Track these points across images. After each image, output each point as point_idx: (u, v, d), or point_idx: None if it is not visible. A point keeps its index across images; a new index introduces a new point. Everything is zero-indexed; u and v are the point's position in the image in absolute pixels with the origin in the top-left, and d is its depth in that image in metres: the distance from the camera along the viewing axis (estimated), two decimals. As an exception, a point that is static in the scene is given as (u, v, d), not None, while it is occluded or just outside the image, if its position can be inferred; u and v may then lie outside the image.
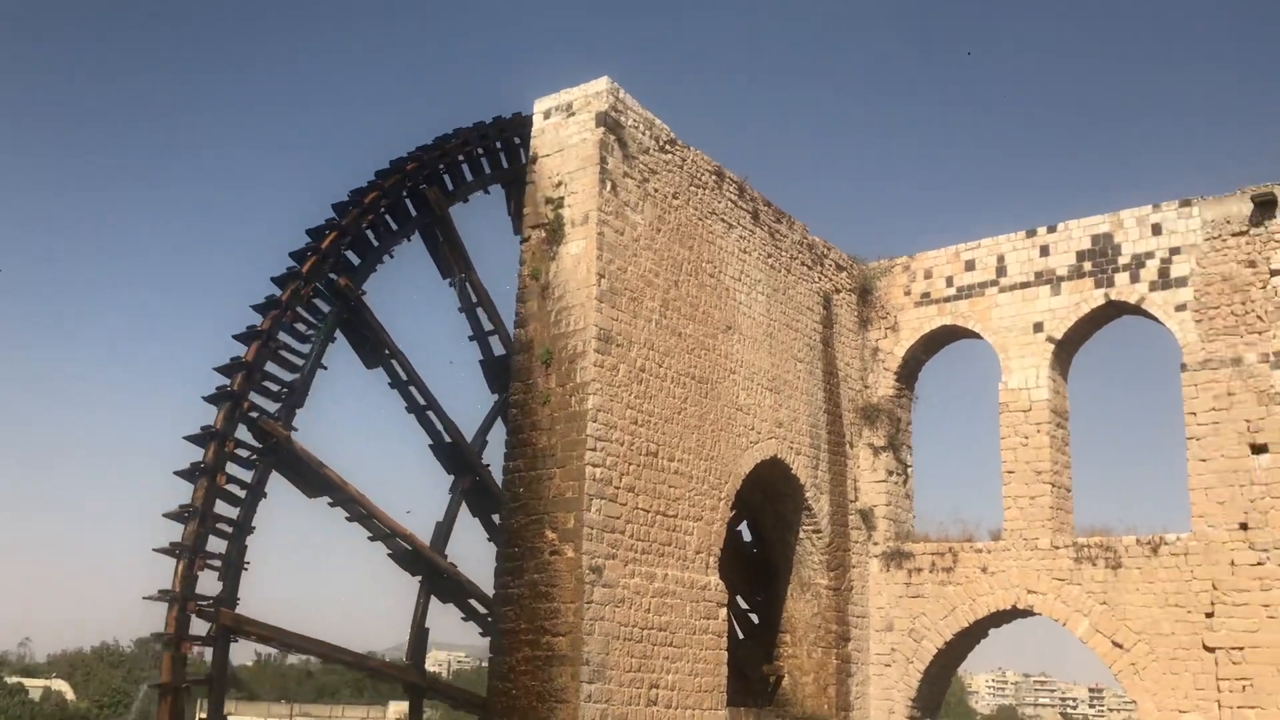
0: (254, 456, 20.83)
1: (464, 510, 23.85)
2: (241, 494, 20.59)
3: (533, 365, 22.28)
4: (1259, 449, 23.93)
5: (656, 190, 23.63)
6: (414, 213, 23.10)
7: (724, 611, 23.41)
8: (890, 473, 29.02)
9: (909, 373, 30.24)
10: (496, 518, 23.04)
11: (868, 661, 27.50)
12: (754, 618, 28.31)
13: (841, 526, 27.68)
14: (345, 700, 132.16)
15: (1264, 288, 24.58)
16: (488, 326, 23.89)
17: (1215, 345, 24.91)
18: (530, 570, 21.21)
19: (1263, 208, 24.84)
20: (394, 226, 22.87)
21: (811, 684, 26.51)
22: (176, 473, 20.62)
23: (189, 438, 20.51)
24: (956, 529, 28.00)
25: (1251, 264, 24.86)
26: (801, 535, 27.13)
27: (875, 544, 28.45)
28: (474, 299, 23.77)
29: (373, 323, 22.38)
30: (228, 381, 20.49)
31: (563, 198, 22.63)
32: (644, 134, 23.57)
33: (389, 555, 23.12)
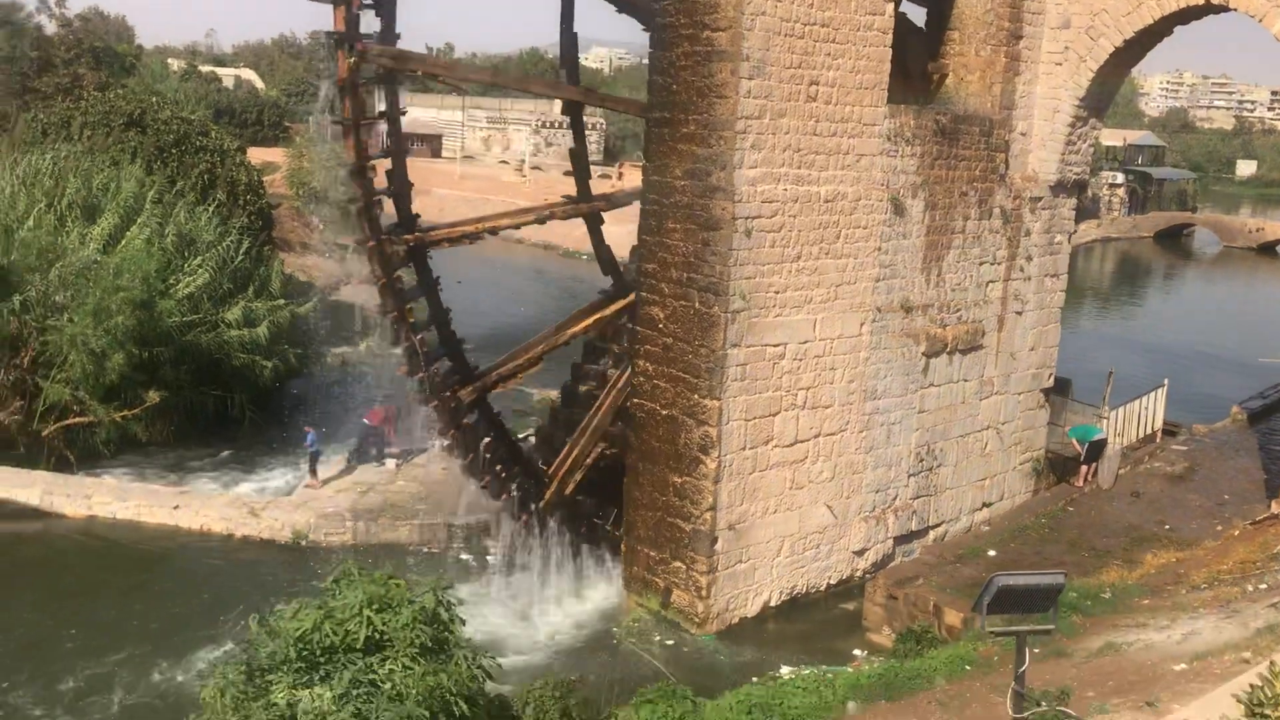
0: None
1: None
2: None
3: None
4: None
5: None
6: None
7: (890, 7, 22.50)
8: None
9: None
10: None
11: (1038, 60, 26.53)
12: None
13: (1028, -87, 25.37)
14: (513, 95, 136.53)
15: None
16: None
17: None
18: (690, -38, 20.47)
19: None
20: None
21: (977, 82, 25.98)
22: None
23: None
24: (1158, -85, 25.40)
25: None
26: (982, -77, 25.09)
27: (1063, -67, 26.17)
28: None
29: None
30: None
31: None
32: None
33: None
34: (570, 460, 25.34)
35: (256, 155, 56.05)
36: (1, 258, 29.78)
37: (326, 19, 22.70)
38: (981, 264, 26.22)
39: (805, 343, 22.68)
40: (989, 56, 25.80)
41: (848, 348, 23.45)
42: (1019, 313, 27.56)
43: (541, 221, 26.16)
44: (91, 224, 31.71)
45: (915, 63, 26.24)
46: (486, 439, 25.23)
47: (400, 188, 24.20)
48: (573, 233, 38.67)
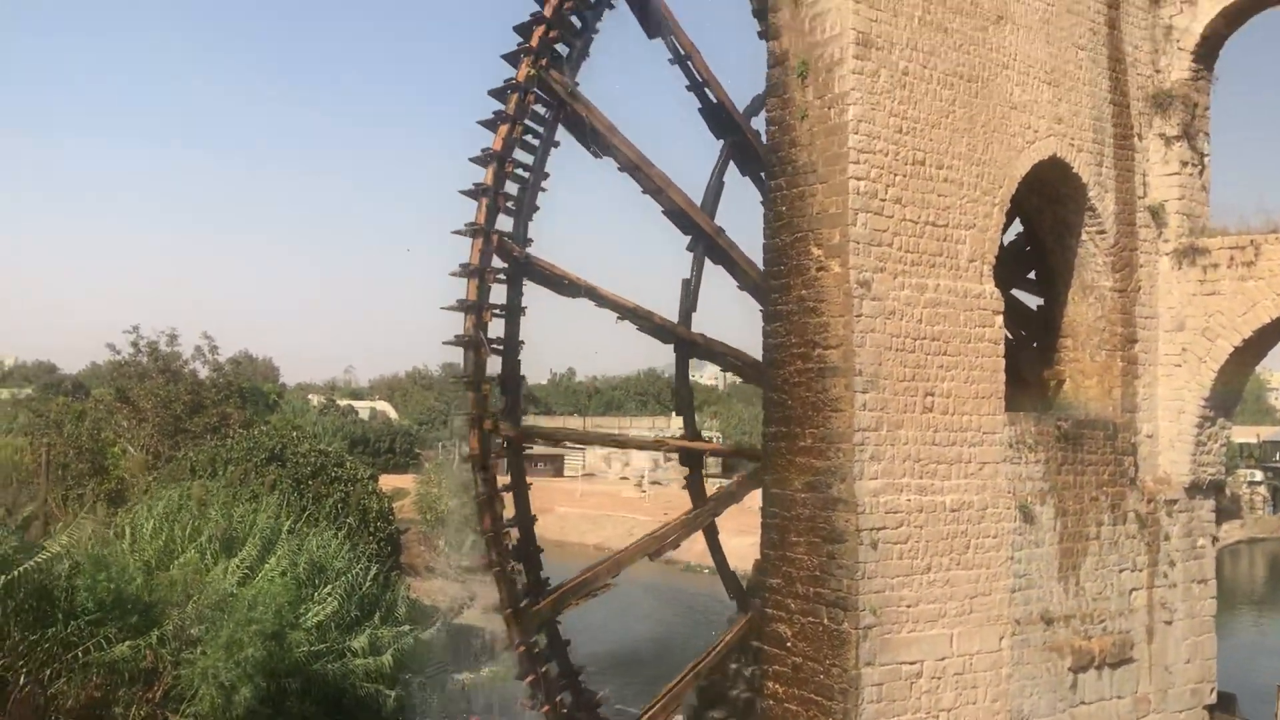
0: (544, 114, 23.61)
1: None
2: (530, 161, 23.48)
3: (788, 79, 21.59)
4: None
5: None
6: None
7: (999, 319, 22.93)
8: (1184, 164, 26.77)
9: (1208, 51, 27.17)
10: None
11: (1155, 363, 26.43)
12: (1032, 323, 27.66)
13: (1128, 225, 26.06)
14: (631, 413, 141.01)
15: None
16: (700, 77, 24.99)
17: None
18: (797, 287, 21.38)
19: None
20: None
21: (1095, 387, 25.90)
22: (471, 159, 23.22)
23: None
24: (1259, 220, 25.85)
25: None
26: (1084, 238, 25.78)
27: (1166, 241, 26.70)
28: (683, 52, 24.68)
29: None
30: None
31: (811, -108, 21.13)
32: None
33: (663, 212, 25.26)
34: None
35: (388, 482, 58.00)
36: (143, 593, 30.65)
37: (458, 354, 23.99)
38: (1121, 571, 25.10)
39: (943, 659, 21.65)
40: (1105, 361, 25.83)
41: (988, 664, 22.29)
42: (1168, 622, 26.01)
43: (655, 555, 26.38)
44: (230, 556, 32.68)
45: (1030, 369, 26.39)
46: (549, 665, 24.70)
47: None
48: (693, 547, 38.44)
